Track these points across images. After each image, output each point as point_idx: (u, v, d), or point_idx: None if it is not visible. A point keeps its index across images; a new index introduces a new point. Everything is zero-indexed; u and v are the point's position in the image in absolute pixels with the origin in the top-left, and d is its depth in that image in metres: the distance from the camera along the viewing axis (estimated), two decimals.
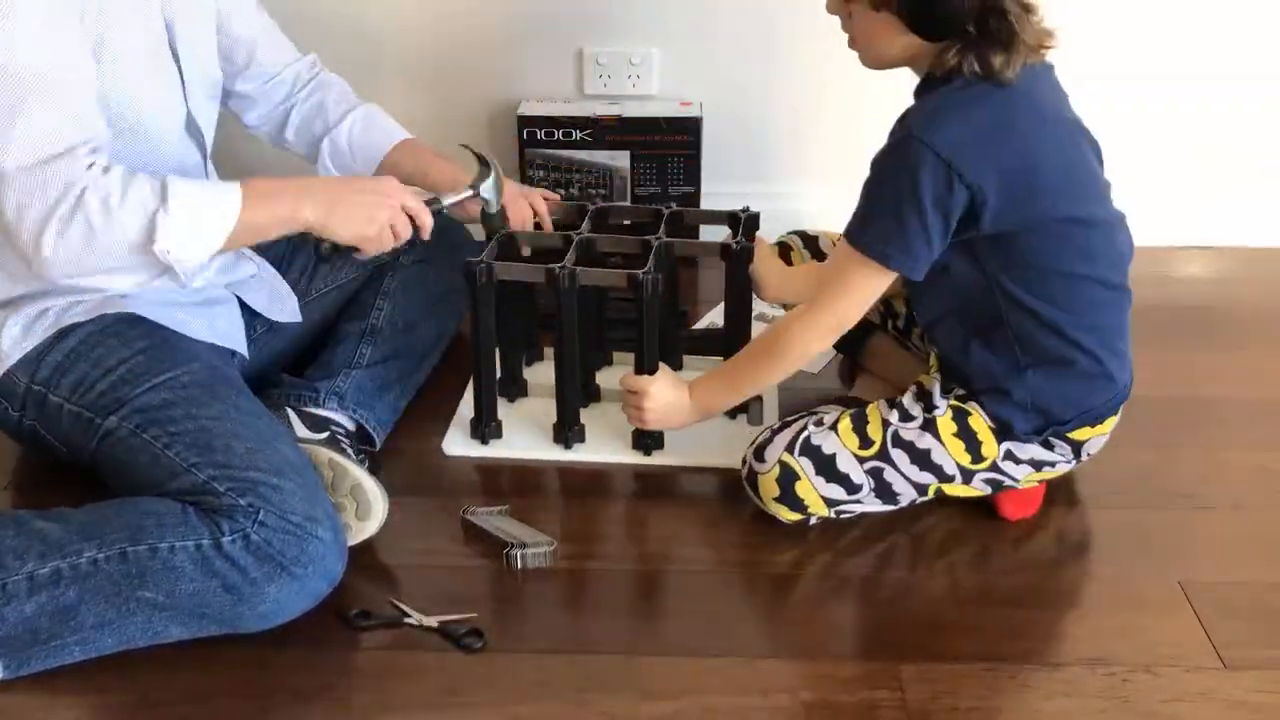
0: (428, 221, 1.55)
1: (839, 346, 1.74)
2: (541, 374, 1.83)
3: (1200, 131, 2.28)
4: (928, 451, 1.50)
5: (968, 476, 1.51)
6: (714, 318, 2.08)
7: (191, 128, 1.56)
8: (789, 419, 1.54)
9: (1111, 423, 1.53)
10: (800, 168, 2.32)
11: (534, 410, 1.78)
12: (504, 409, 1.76)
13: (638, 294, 1.61)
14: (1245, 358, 1.98)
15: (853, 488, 1.50)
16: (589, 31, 2.24)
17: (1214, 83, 2.23)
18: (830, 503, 1.51)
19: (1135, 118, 2.24)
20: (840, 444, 1.50)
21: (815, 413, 1.55)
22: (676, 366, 1.83)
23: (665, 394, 1.60)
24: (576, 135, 2.19)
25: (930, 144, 1.34)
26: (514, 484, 1.67)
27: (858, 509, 1.53)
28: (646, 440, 1.69)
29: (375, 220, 1.50)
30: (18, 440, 1.57)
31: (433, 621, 1.40)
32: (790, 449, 1.50)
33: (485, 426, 1.72)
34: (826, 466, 1.50)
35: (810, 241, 1.79)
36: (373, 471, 1.52)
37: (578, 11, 2.22)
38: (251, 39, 1.72)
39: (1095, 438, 1.52)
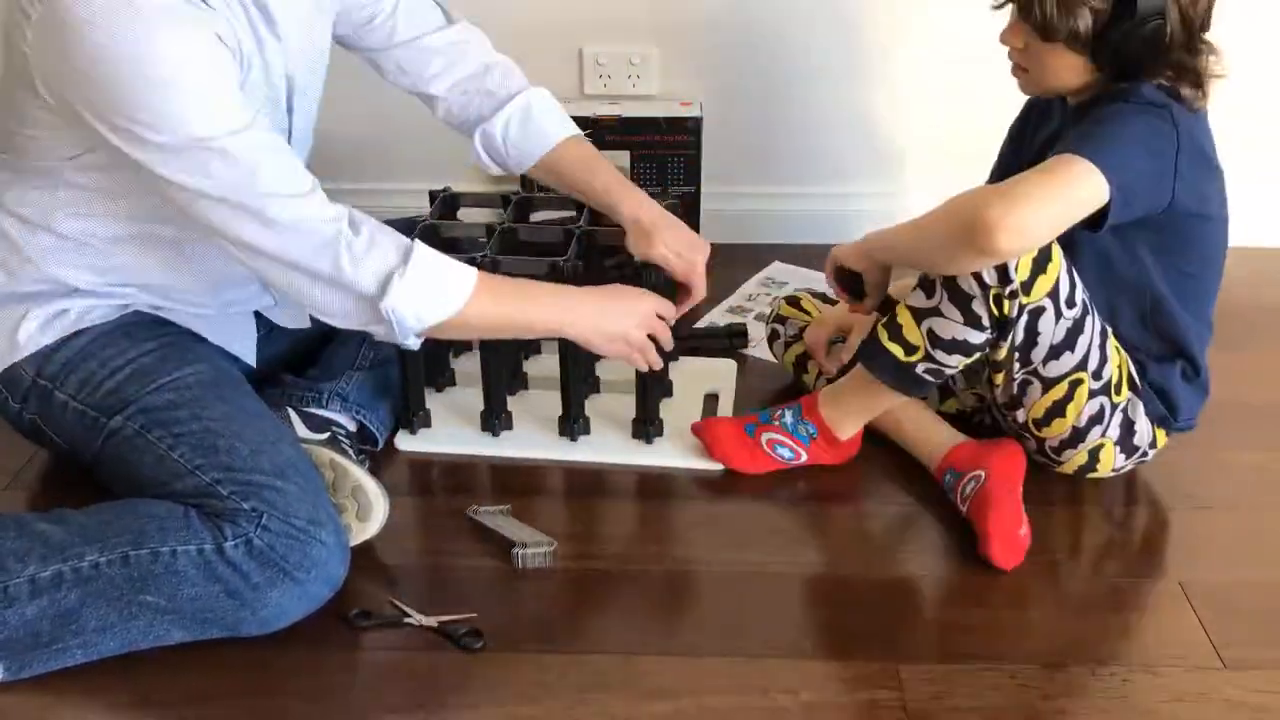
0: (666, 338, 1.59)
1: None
2: (471, 364, 1.82)
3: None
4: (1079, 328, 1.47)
5: (1104, 364, 1.50)
6: (714, 317, 2.08)
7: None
8: None
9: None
10: (801, 168, 2.32)
11: (462, 400, 1.79)
12: (432, 399, 1.77)
13: (561, 282, 1.60)
14: (1246, 358, 1.98)
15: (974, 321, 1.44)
16: (589, 31, 2.24)
17: (1213, 82, 2.23)
18: (1049, 295, 1.43)
19: None
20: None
21: None
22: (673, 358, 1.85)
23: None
24: None
25: (1178, 122, 1.41)
26: (511, 482, 1.67)
27: (956, 366, 1.48)
28: (647, 429, 1.70)
29: (631, 340, 1.54)
30: (18, 430, 1.57)
31: (433, 621, 1.40)
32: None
33: (414, 416, 1.74)
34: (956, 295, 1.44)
35: (823, 296, 1.82)
36: (373, 473, 1.52)
37: (578, 11, 2.22)
38: (385, 12, 1.65)
39: (1162, 446, 1.61)
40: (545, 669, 1.35)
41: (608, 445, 1.71)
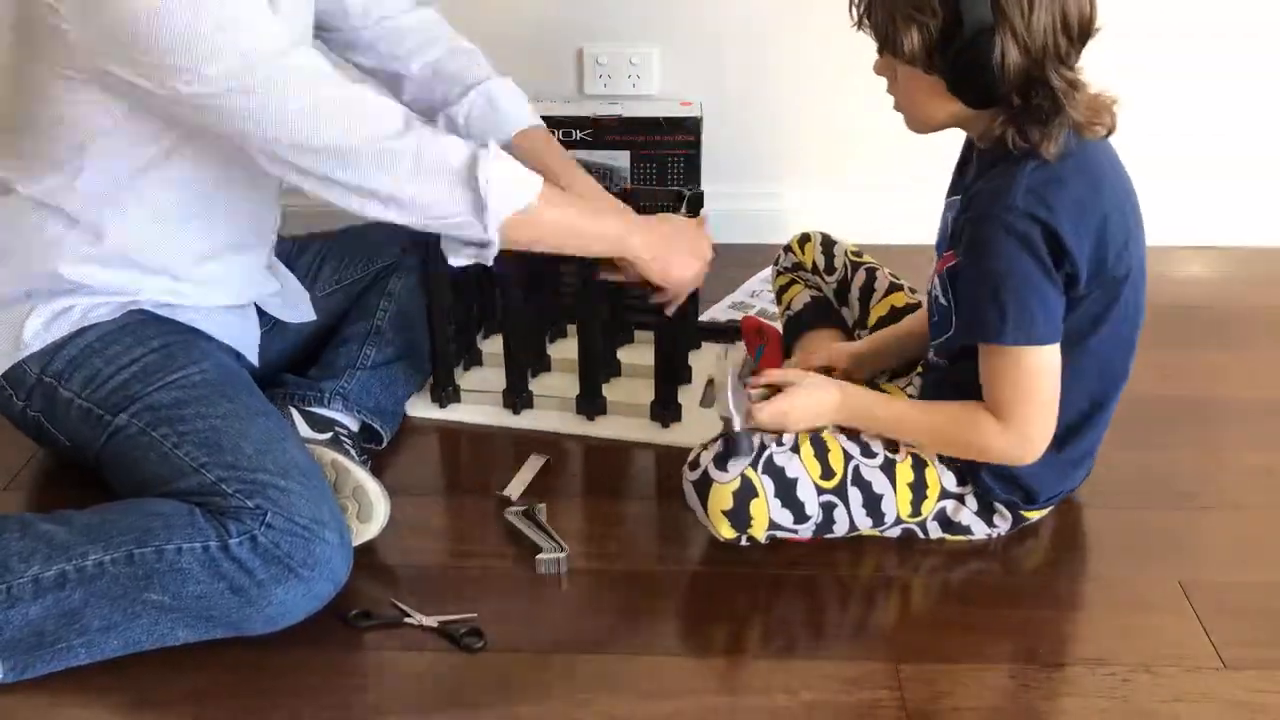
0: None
1: (786, 335, 1.77)
2: (498, 344, 1.86)
3: (1200, 131, 2.28)
4: (880, 497, 1.46)
5: (895, 524, 1.50)
6: (716, 313, 2.08)
7: None
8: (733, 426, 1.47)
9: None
10: (801, 168, 2.32)
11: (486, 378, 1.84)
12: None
13: (581, 273, 1.64)
14: (1245, 358, 1.98)
15: (801, 517, 1.45)
16: (589, 31, 2.24)
17: (1214, 81, 2.23)
18: (773, 526, 1.45)
19: (1135, 117, 2.23)
20: (803, 469, 1.44)
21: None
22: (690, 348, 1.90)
23: (803, 408, 1.46)
24: (576, 135, 2.19)
25: (1038, 216, 1.31)
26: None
27: (789, 537, 1.48)
28: (664, 413, 1.73)
29: (692, 267, 1.57)
30: (21, 429, 1.57)
31: (433, 621, 1.40)
32: (755, 464, 1.42)
33: (443, 390, 1.77)
34: (786, 490, 1.43)
35: (828, 243, 1.79)
36: (374, 473, 1.52)
37: (578, 11, 2.22)
38: (354, 8, 1.67)
39: (1040, 516, 1.54)
40: (545, 669, 1.35)
41: (627, 427, 1.76)
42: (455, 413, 1.80)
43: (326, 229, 1.89)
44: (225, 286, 1.60)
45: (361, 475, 1.49)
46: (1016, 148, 1.32)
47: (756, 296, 2.16)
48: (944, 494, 1.49)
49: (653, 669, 1.35)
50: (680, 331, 1.71)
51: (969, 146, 1.48)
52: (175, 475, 1.39)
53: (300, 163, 1.37)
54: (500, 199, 1.41)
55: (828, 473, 1.45)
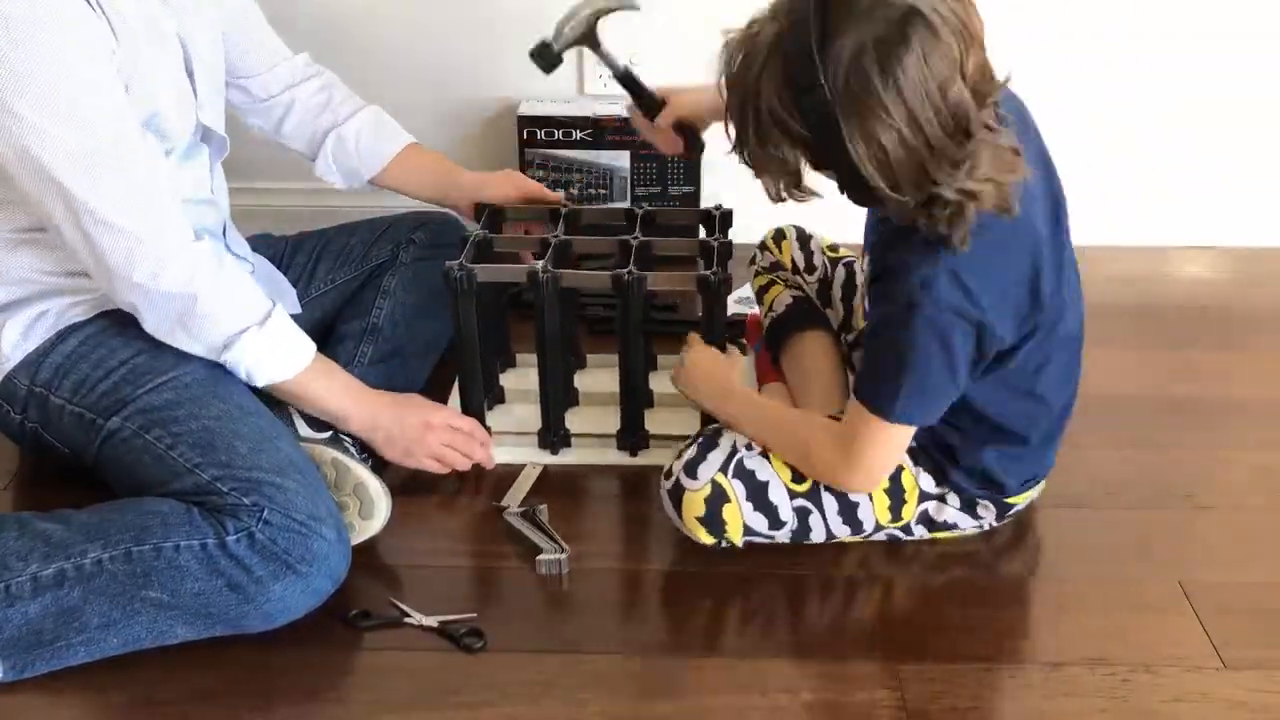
0: (481, 455, 1.64)
1: (769, 339, 1.75)
2: (515, 380, 1.81)
3: (1200, 131, 2.28)
4: (856, 505, 1.46)
5: (876, 531, 1.49)
6: None
7: (205, 137, 1.56)
8: (711, 431, 1.48)
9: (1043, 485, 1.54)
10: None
11: (516, 416, 1.75)
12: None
13: (623, 294, 1.59)
14: (1245, 358, 1.98)
15: (776, 522, 1.45)
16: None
17: (1214, 81, 2.23)
18: (749, 531, 1.45)
19: (1134, 117, 2.24)
20: (774, 472, 1.44)
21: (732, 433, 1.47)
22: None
23: (710, 362, 1.55)
24: (576, 135, 2.19)
25: (962, 311, 1.26)
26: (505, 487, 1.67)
27: (765, 541, 1.48)
28: (631, 440, 1.69)
29: (412, 455, 1.60)
30: (19, 443, 1.57)
31: (433, 621, 1.40)
32: (724, 469, 1.43)
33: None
34: (757, 494, 1.44)
35: (804, 237, 1.78)
36: (375, 470, 1.52)
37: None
38: (256, 40, 1.71)
39: (1026, 500, 1.53)
40: (545, 669, 1.35)
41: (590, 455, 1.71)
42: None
43: (320, 228, 1.89)
44: None
45: (362, 473, 1.49)
46: (929, 236, 1.24)
47: None
48: (923, 496, 1.48)
49: (653, 669, 1.35)
50: (708, 336, 1.64)
51: None
52: (171, 476, 1.39)
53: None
54: (242, 371, 1.48)
55: (799, 476, 1.45)
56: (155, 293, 1.40)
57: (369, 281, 1.82)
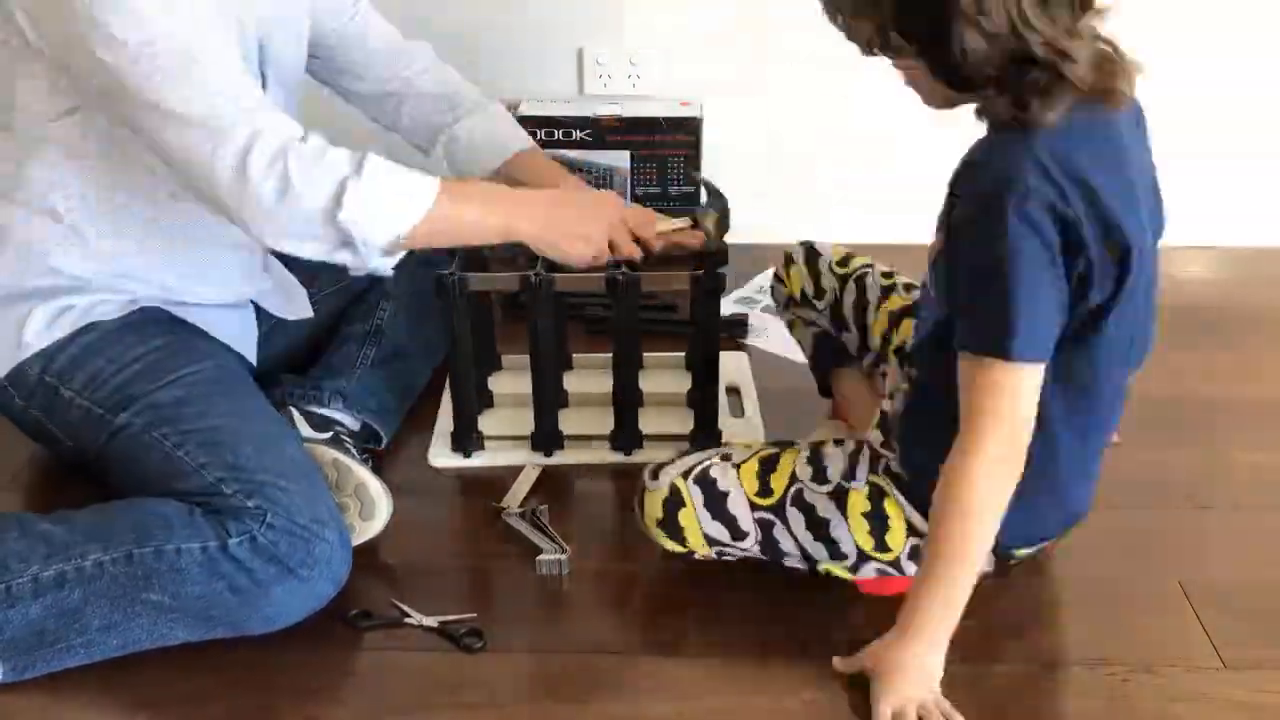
0: (647, 241, 1.55)
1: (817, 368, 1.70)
2: (504, 384, 1.81)
3: (1200, 131, 2.28)
4: (826, 522, 1.38)
5: (862, 560, 1.38)
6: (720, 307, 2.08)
7: None
8: (703, 439, 1.44)
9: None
10: (801, 167, 2.32)
11: (507, 420, 1.75)
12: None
13: (616, 296, 1.58)
14: (1245, 358, 1.98)
15: (738, 533, 1.40)
16: (589, 31, 2.24)
17: (1214, 81, 2.23)
18: (711, 541, 1.41)
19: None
20: (737, 482, 1.39)
21: (729, 447, 1.46)
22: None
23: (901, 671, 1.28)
24: (576, 135, 2.19)
25: (1047, 199, 1.13)
26: (503, 490, 1.67)
27: (740, 554, 1.43)
28: (625, 440, 1.69)
29: (591, 240, 1.49)
30: (20, 427, 1.57)
31: (433, 621, 1.40)
32: (686, 475, 1.40)
33: (467, 439, 1.70)
34: (715, 502, 1.39)
35: (812, 258, 1.68)
36: (375, 472, 1.52)
37: (578, 11, 2.22)
38: (355, 32, 1.69)
39: (1029, 550, 1.41)
40: (545, 669, 1.35)
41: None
42: (479, 459, 1.71)
43: None
44: (221, 284, 1.59)
45: (363, 473, 1.49)
46: (1015, 120, 1.15)
47: (763, 292, 2.17)
48: (913, 530, 1.36)
49: (653, 669, 1.35)
50: (704, 334, 1.65)
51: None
52: (176, 475, 1.39)
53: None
54: (371, 234, 1.36)
55: (765, 490, 1.40)
56: (249, 182, 1.30)
57: (374, 283, 1.82)
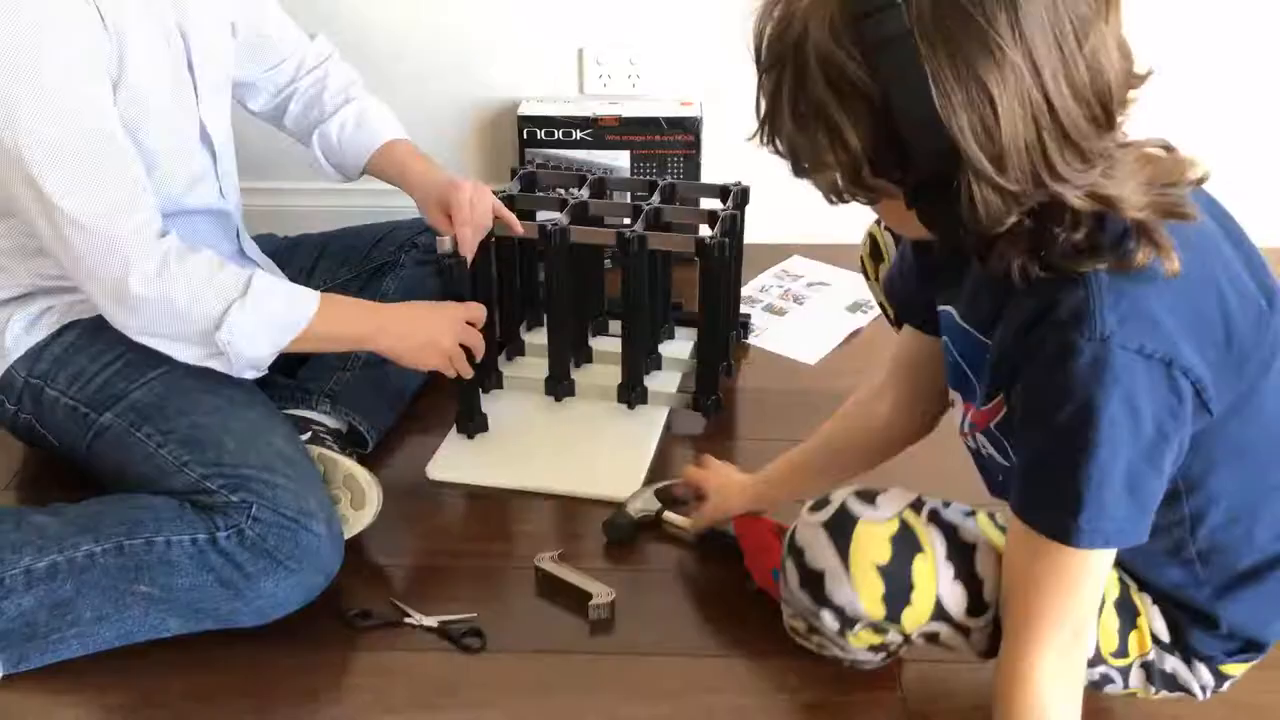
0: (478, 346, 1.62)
1: None
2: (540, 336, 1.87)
3: (1201, 131, 2.28)
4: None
5: (1096, 663, 1.12)
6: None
7: (204, 137, 1.55)
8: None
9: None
10: None
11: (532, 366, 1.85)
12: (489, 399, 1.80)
13: (625, 251, 1.66)
14: None
15: (978, 605, 1.07)
16: (589, 31, 2.24)
17: (1215, 81, 2.23)
18: (938, 612, 1.07)
19: (1134, 116, 2.23)
20: (982, 534, 1.07)
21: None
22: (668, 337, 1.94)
23: None
24: (576, 135, 2.19)
25: (1137, 347, 0.91)
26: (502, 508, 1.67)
27: (954, 645, 1.11)
28: (630, 394, 1.76)
29: (441, 348, 1.56)
30: (13, 434, 1.57)
31: (433, 621, 1.40)
32: (916, 509, 1.09)
33: (471, 421, 1.74)
34: (962, 554, 1.06)
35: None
36: (361, 462, 1.52)
37: (578, 11, 2.22)
38: (267, 32, 1.69)
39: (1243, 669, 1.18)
40: (545, 669, 1.35)
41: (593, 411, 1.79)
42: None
43: (322, 229, 1.89)
44: None
45: (349, 464, 1.49)
46: (1058, 272, 0.92)
47: (765, 292, 2.16)
48: (1153, 639, 1.14)
49: (653, 669, 1.35)
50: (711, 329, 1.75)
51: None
52: (160, 475, 1.39)
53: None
54: (245, 350, 1.41)
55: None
56: (131, 295, 1.36)
57: (368, 283, 1.81)
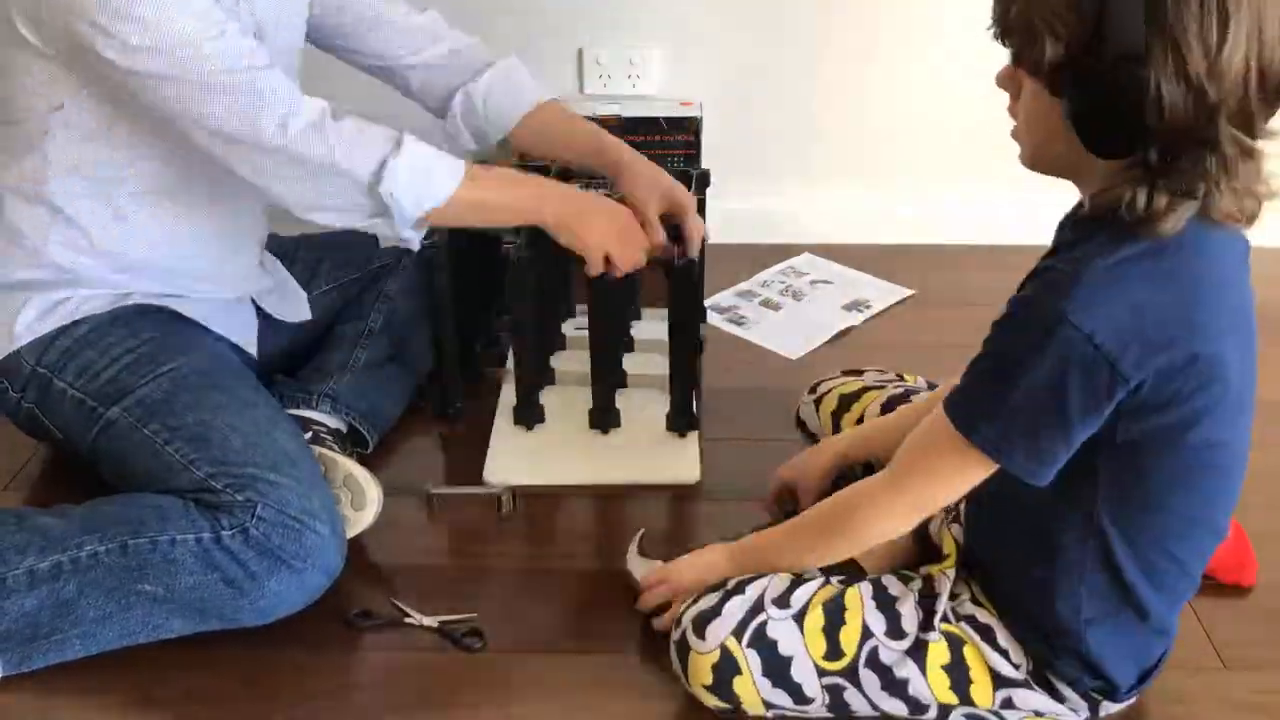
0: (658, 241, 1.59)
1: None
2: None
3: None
4: (905, 681, 1.21)
5: (944, 714, 1.23)
6: (720, 299, 2.08)
7: None
8: (748, 579, 1.27)
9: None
10: (801, 168, 2.32)
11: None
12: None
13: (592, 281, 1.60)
14: None
15: (803, 699, 1.23)
16: (589, 31, 2.24)
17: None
18: (769, 706, 1.23)
19: None
20: (802, 645, 1.22)
21: (772, 577, 1.27)
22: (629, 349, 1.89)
23: (690, 562, 1.35)
24: None
25: (1089, 333, 1.01)
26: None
27: (800, 718, 1.26)
28: (605, 419, 1.73)
29: (608, 235, 1.53)
30: (14, 422, 1.56)
31: (433, 621, 1.40)
32: (739, 634, 1.22)
33: (529, 412, 1.74)
34: (778, 670, 1.22)
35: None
36: (360, 462, 1.52)
37: (578, 11, 2.22)
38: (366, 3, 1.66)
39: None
40: (545, 669, 1.35)
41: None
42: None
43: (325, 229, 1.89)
44: (218, 283, 1.60)
45: (349, 464, 1.49)
46: (1129, 215, 0.99)
47: (765, 286, 2.17)
48: (1000, 681, 1.21)
49: (653, 669, 1.35)
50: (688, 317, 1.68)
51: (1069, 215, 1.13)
52: (166, 472, 1.39)
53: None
54: (406, 205, 1.40)
55: (834, 653, 1.22)
56: (288, 148, 1.34)
57: (370, 285, 1.82)
